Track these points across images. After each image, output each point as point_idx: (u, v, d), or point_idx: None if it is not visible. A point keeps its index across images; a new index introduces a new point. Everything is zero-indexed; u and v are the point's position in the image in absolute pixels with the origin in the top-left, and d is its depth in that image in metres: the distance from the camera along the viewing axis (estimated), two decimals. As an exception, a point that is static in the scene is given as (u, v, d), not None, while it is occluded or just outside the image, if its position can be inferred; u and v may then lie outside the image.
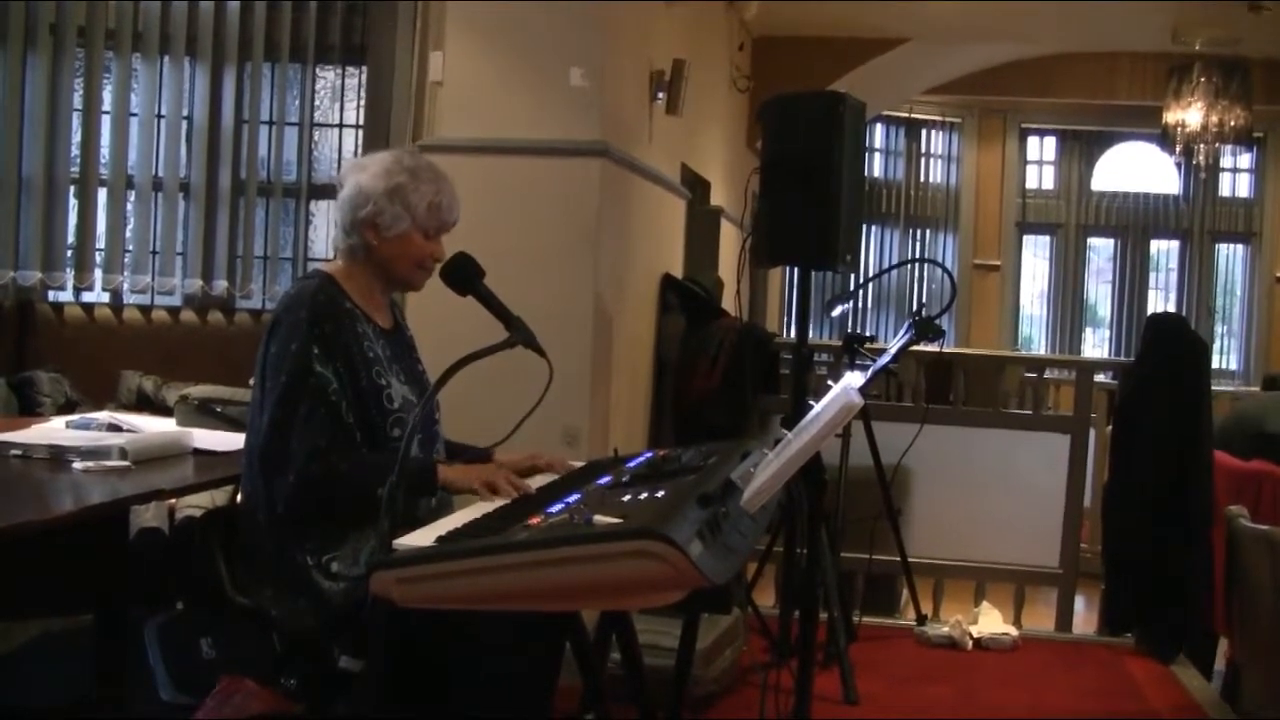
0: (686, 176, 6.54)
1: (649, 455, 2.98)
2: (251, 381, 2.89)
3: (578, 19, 4.67)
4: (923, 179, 12.21)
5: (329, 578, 2.67)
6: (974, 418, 5.83)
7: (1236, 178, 12.12)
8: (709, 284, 6.03)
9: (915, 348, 5.10)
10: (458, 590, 2.09)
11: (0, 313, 5.48)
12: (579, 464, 3.09)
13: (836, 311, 5.55)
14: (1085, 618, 6.02)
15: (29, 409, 4.97)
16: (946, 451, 5.65)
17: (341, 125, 5.72)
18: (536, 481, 2.85)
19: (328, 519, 2.69)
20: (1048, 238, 12.39)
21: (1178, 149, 9.26)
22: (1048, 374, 7.43)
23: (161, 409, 4.89)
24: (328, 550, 2.69)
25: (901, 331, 5.01)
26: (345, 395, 2.72)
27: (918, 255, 12.04)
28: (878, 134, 11.98)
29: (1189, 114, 9.01)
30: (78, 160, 5.55)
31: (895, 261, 11.93)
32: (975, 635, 5.25)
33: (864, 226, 10.74)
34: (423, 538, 2.24)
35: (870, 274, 11.38)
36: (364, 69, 5.38)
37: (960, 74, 10.23)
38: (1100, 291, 12.49)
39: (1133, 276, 12.18)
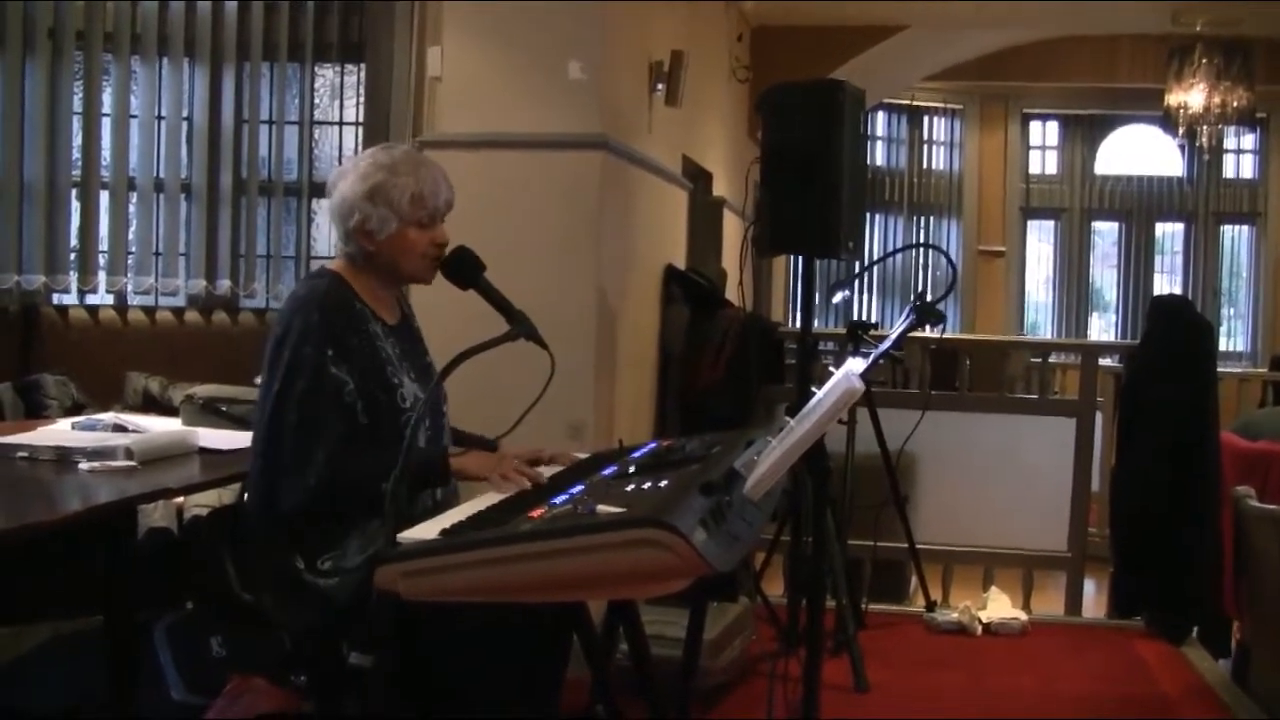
0: (688, 168, 6.54)
1: (653, 446, 2.98)
2: (257, 380, 2.89)
3: (575, 11, 4.67)
4: (925, 166, 12.20)
5: (321, 575, 2.67)
6: (980, 403, 5.83)
7: (1240, 159, 12.10)
8: (712, 275, 6.04)
9: (920, 334, 5.10)
10: (462, 583, 2.09)
11: (5, 317, 5.49)
12: (583, 455, 3.09)
13: (838, 298, 5.57)
14: (1095, 601, 6.02)
15: (35, 412, 4.98)
16: (953, 437, 5.64)
17: (342, 123, 5.72)
18: (546, 472, 2.85)
19: (325, 521, 2.68)
20: (1052, 222, 12.38)
21: (1181, 131, 9.25)
22: (1053, 358, 7.43)
23: (167, 409, 4.89)
24: (321, 551, 2.68)
25: (903, 317, 5.01)
26: (359, 396, 2.72)
27: (920, 242, 12.03)
28: (880, 122, 11.97)
29: (1191, 96, 9.00)
30: (79, 163, 5.56)
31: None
32: (984, 620, 5.25)
33: (867, 214, 10.73)
34: (427, 531, 2.24)
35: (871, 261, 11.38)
36: (363, 66, 5.38)
37: (961, 60, 10.22)
38: (1105, 275, 12.47)
39: (1138, 260, 12.17)
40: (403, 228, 2.81)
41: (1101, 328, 12.47)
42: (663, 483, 2.30)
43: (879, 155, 12.01)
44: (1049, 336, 11.88)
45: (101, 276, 5.58)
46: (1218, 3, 8.19)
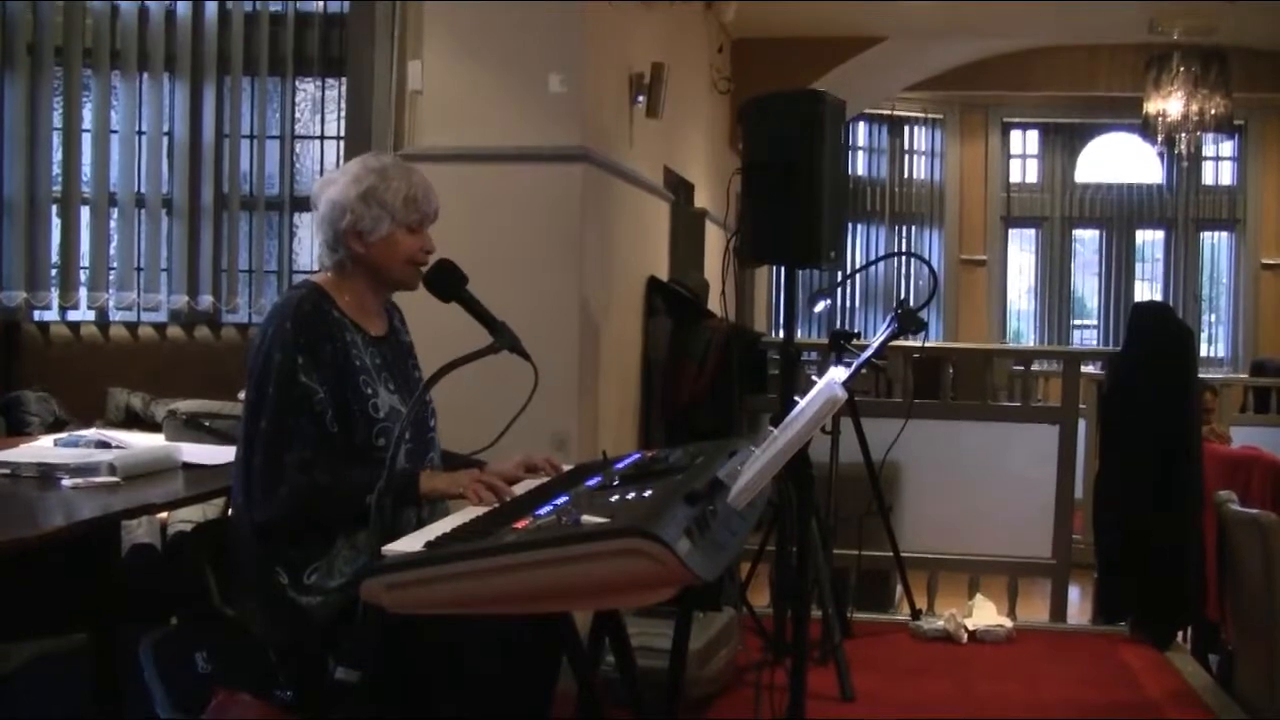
0: (670, 179, 6.55)
1: (636, 456, 2.98)
2: (240, 395, 2.89)
3: (555, 24, 4.68)
4: (907, 175, 12.25)
5: (305, 592, 2.66)
6: (963, 411, 5.85)
7: (1219, 165, 12.19)
8: (695, 285, 6.04)
9: (903, 342, 5.11)
10: (447, 595, 2.09)
11: (-14, 333, 5.47)
12: (568, 467, 3.09)
13: (818, 307, 5.58)
14: (1079, 607, 6.05)
15: (17, 429, 4.95)
16: (937, 445, 5.66)
17: (323, 137, 5.72)
18: (529, 484, 2.85)
19: (306, 534, 2.68)
20: (1033, 231, 12.44)
21: (1159, 139, 9.30)
22: (1035, 366, 7.45)
23: (150, 425, 4.88)
24: (305, 565, 2.68)
25: (885, 325, 5.03)
26: (330, 405, 2.72)
27: (902, 250, 12.08)
28: (861, 132, 12.02)
29: (1169, 104, 9.05)
30: (59, 179, 5.55)
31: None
32: (970, 628, 5.26)
33: (849, 224, 10.78)
34: (412, 543, 2.24)
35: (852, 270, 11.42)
36: (343, 80, 5.38)
37: (941, 70, 10.26)
38: (1087, 283, 12.53)
39: (1118, 267, 12.24)
40: (394, 229, 2.83)
41: (1083, 335, 12.52)
42: (647, 493, 2.30)
43: (860, 165, 12.05)
44: (1031, 344, 11.92)
45: (83, 292, 5.56)
46: (1194, 8, 8.23)
